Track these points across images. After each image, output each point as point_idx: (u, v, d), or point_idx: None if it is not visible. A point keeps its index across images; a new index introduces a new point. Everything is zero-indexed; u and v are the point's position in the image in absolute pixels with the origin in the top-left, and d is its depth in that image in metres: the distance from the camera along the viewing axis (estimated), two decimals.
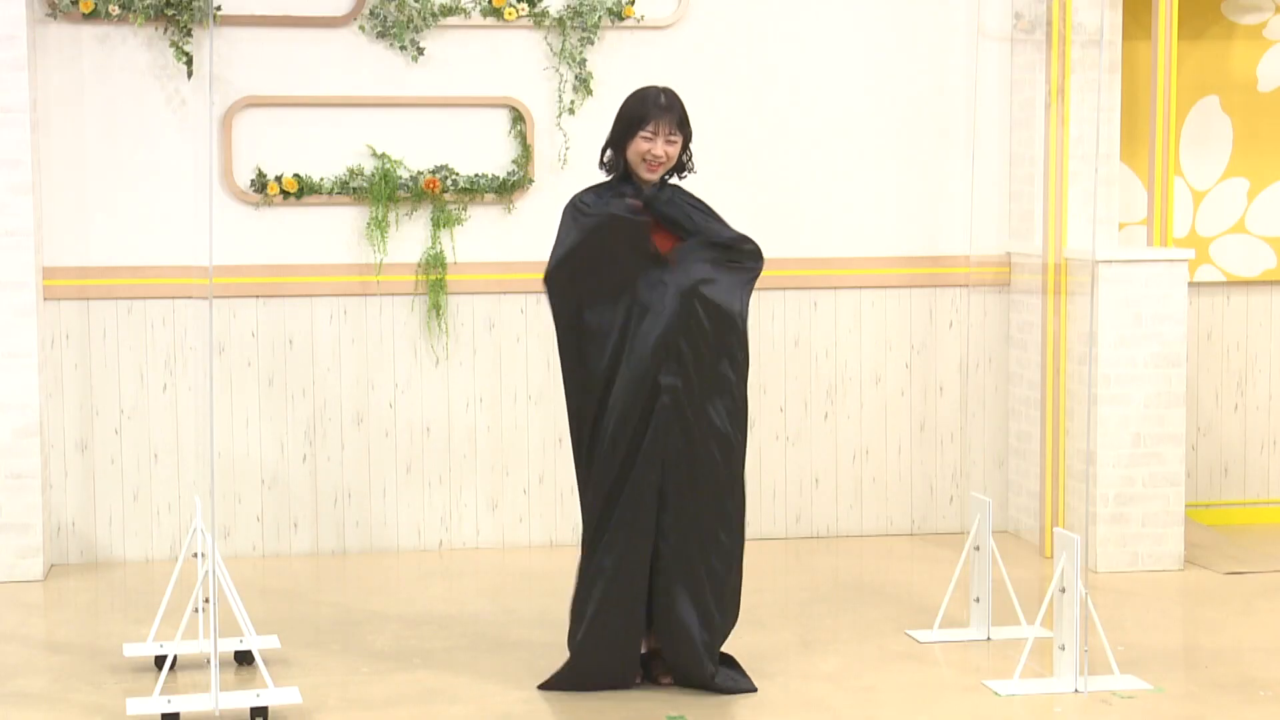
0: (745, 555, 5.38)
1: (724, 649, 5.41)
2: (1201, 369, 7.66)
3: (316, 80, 7.06)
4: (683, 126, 5.33)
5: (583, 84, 7.15)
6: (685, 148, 5.38)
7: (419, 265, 7.14)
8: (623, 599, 5.24)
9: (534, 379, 7.24)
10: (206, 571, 5.20)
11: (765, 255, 7.43)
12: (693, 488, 5.23)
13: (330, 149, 7.08)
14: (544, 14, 7.12)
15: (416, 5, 7.03)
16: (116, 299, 6.99)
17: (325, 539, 7.19)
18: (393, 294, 7.15)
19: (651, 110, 5.29)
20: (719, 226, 5.40)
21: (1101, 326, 6.79)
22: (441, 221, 7.12)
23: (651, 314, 5.23)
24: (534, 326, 7.20)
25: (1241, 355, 7.71)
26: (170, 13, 6.84)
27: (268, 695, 5.05)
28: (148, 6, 6.84)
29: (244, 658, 5.63)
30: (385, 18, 7.03)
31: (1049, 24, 7.02)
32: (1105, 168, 7.14)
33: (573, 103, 7.16)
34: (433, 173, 7.10)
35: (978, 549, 5.89)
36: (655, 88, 5.38)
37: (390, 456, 7.20)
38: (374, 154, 7.10)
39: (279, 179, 7.03)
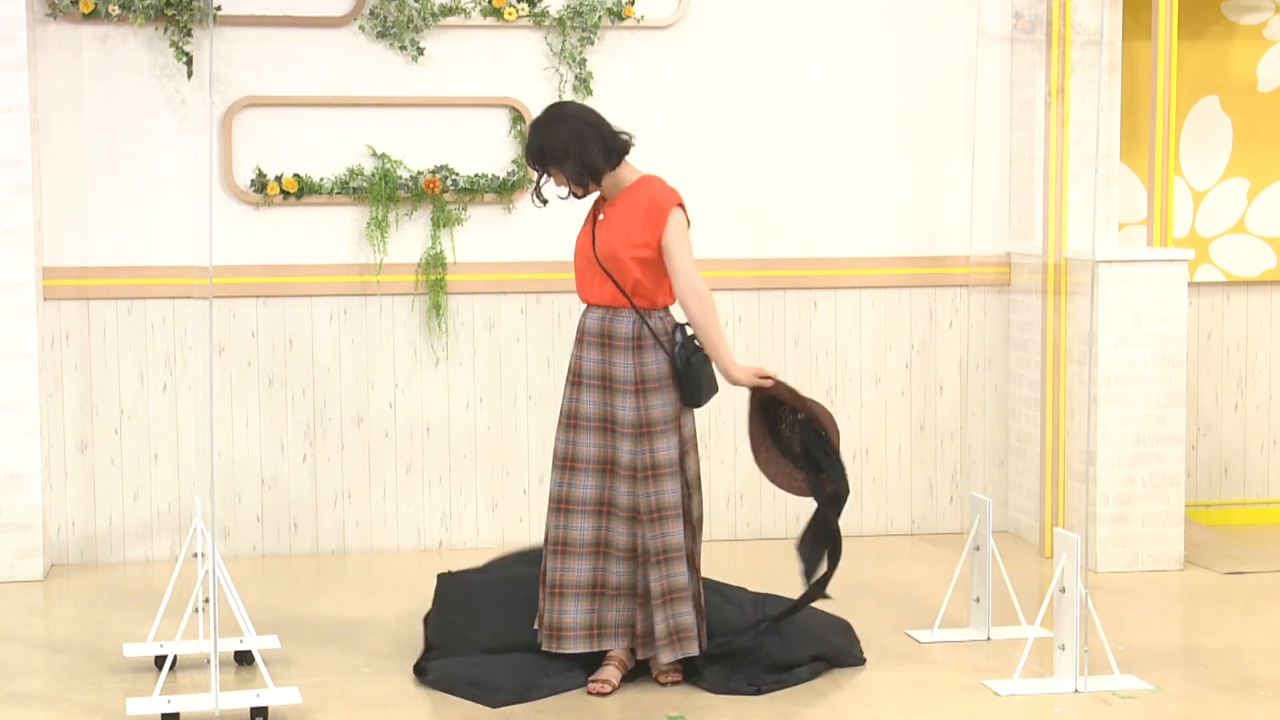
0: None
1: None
2: (1201, 369, 7.66)
3: (316, 80, 7.06)
4: (544, 158, 5.30)
5: (583, 84, 7.14)
6: (573, 164, 5.28)
7: (419, 265, 7.14)
8: None
9: (534, 379, 7.24)
10: (206, 571, 5.20)
11: (766, 255, 7.44)
12: None
13: (330, 149, 7.08)
14: (544, 14, 7.12)
15: (416, 5, 7.03)
16: (116, 299, 6.99)
17: (325, 539, 7.19)
18: (393, 294, 7.15)
19: (526, 154, 5.39)
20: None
21: (1101, 326, 6.79)
22: (441, 221, 7.12)
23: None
24: (534, 326, 7.21)
25: (1241, 355, 7.71)
26: (170, 13, 6.84)
27: (268, 695, 5.05)
28: (148, 6, 6.84)
29: (244, 658, 5.63)
30: (385, 18, 7.03)
31: (1049, 24, 7.02)
32: (1105, 168, 7.14)
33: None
34: (433, 173, 7.10)
35: (978, 549, 5.89)
36: (537, 118, 5.41)
37: (390, 456, 7.20)
38: (374, 154, 7.10)
39: (279, 179, 7.03)
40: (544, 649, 5.38)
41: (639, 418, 5.29)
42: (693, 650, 5.35)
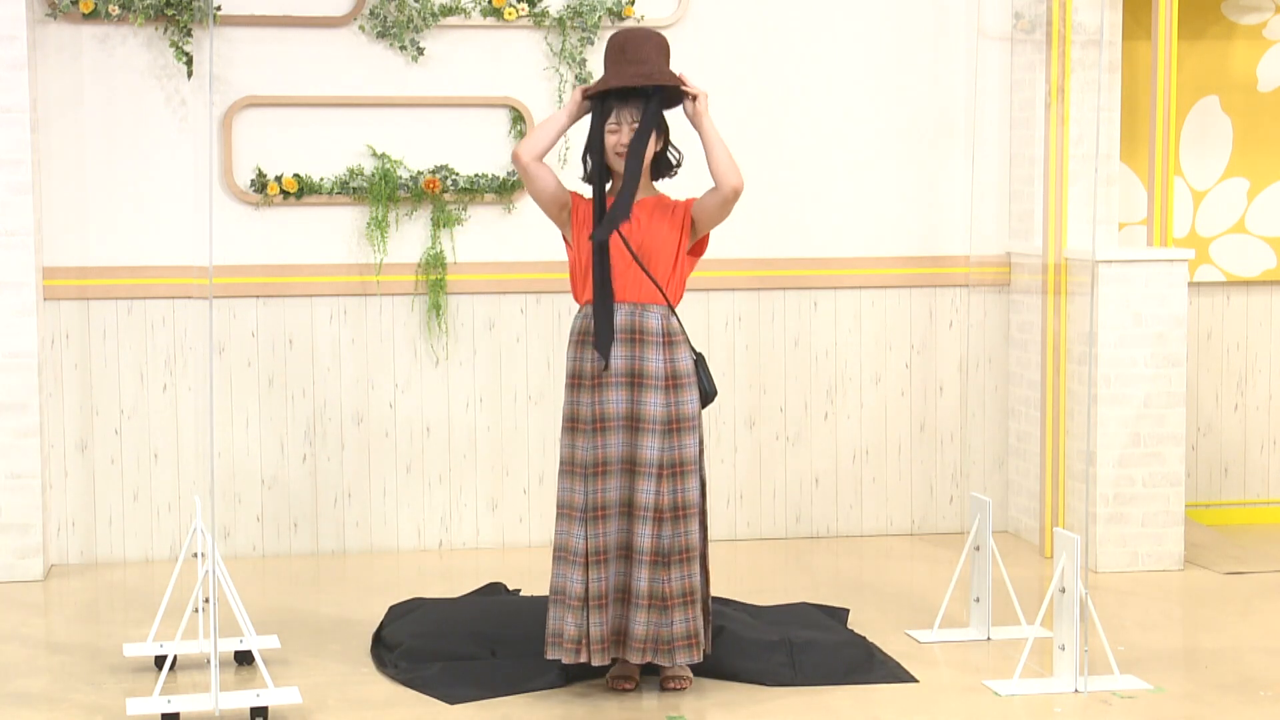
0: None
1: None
2: (1201, 369, 7.67)
3: (316, 80, 7.07)
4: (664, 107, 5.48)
5: (582, 84, 7.14)
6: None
7: (419, 265, 7.14)
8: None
9: (534, 379, 7.24)
10: (206, 571, 5.20)
11: (766, 255, 7.45)
12: None
13: (330, 149, 7.08)
14: (544, 14, 7.12)
15: (416, 5, 7.04)
16: (116, 299, 7.00)
17: (325, 539, 7.19)
18: (393, 294, 7.15)
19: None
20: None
21: (1101, 326, 6.79)
22: (441, 221, 7.12)
23: None
24: (534, 326, 7.21)
25: (1241, 355, 7.71)
26: (170, 13, 6.84)
27: (268, 695, 5.05)
28: (148, 6, 6.84)
29: (244, 658, 5.63)
30: (385, 18, 7.04)
31: (1049, 24, 7.03)
32: (1105, 168, 7.14)
33: None
34: (433, 173, 7.11)
35: (978, 549, 5.90)
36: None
37: (390, 456, 7.20)
38: (374, 154, 7.10)
39: (279, 179, 7.03)
40: (594, 663, 5.27)
41: (669, 413, 5.24)
42: (697, 657, 5.31)
